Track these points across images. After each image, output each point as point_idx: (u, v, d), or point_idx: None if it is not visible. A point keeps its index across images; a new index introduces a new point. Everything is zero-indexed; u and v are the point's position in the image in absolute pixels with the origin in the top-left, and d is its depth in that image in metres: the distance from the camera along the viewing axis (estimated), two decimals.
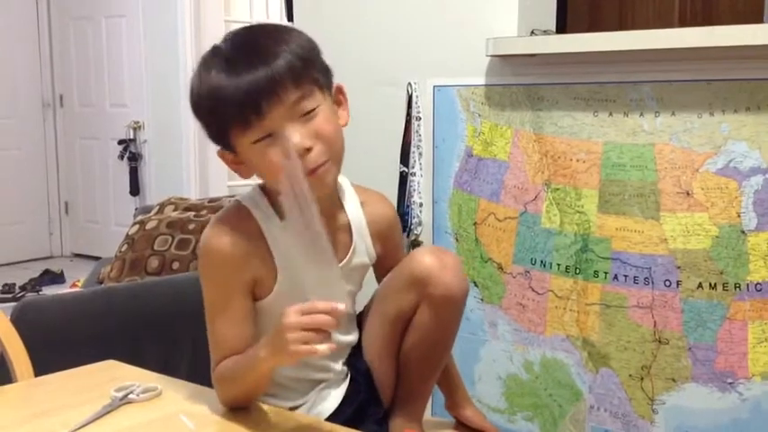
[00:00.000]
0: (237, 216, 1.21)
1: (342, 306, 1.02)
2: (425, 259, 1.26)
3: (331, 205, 1.26)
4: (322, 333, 1.01)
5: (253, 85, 1.10)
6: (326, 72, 1.20)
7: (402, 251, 1.40)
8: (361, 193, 1.33)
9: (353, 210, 1.30)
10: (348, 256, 1.27)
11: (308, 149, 1.12)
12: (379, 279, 1.37)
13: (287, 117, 1.12)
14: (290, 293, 1.19)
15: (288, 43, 1.14)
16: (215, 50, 1.17)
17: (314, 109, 1.14)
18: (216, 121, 1.15)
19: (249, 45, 1.15)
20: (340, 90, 1.23)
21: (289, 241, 1.19)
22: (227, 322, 1.18)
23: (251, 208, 1.21)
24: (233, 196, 3.10)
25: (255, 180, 1.25)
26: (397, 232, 1.41)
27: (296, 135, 1.11)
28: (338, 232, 1.27)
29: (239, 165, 1.20)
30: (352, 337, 1.33)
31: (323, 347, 1.01)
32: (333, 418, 1.26)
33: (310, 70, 1.15)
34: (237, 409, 1.16)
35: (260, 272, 1.20)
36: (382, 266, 1.35)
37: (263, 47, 1.14)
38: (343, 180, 1.30)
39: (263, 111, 1.10)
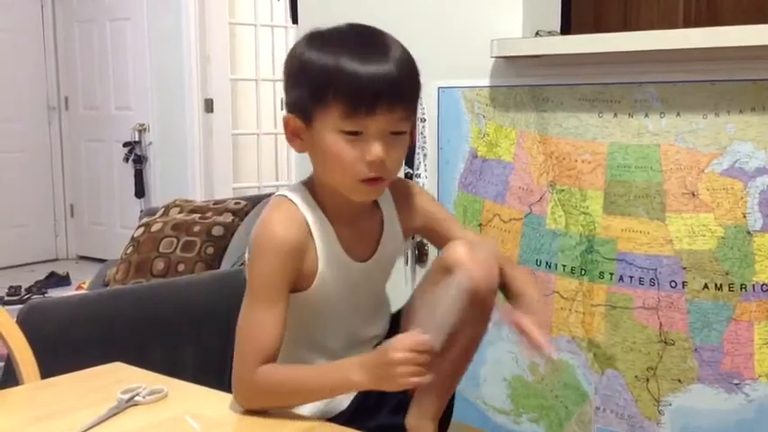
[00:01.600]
0: (290, 208, 1.23)
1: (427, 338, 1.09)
2: (458, 250, 1.27)
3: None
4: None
5: (380, 83, 1.14)
6: (419, 105, 1.26)
7: (446, 212, 1.42)
8: None
9: (384, 199, 1.32)
10: (380, 247, 1.30)
11: (383, 161, 1.17)
12: (439, 247, 1.37)
13: (384, 127, 1.16)
14: (330, 287, 1.24)
15: (414, 66, 1.21)
16: (356, 32, 1.26)
17: (403, 133, 1.20)
18: (319, 93, 1.17)
19: (384, 47, 1.20)
20: (415, 125, 1.29)
21: (332, 235, 1.23)
22: (271, 315, 1.18)
23: (298, 202, 1.24)
24: (238, 198, 3.11)
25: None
26: (425, 198, 1.40)
27: (378, 147, 1.16)
28: (371, 221, 1.30)
29: (299, 137, 1.22)
30: (380, 329, 1.35)
31: (427, 378, 1.10)
32: (354, 405, 1.28)
33: (418, 97, 1.23)
34: (244, 410, 1.16)
35: (306, 264, 1.22)
36: (436, 234, 1.37)
37: (395, 56, 1.19)
38: None
39: (375, 110, 1.14)
